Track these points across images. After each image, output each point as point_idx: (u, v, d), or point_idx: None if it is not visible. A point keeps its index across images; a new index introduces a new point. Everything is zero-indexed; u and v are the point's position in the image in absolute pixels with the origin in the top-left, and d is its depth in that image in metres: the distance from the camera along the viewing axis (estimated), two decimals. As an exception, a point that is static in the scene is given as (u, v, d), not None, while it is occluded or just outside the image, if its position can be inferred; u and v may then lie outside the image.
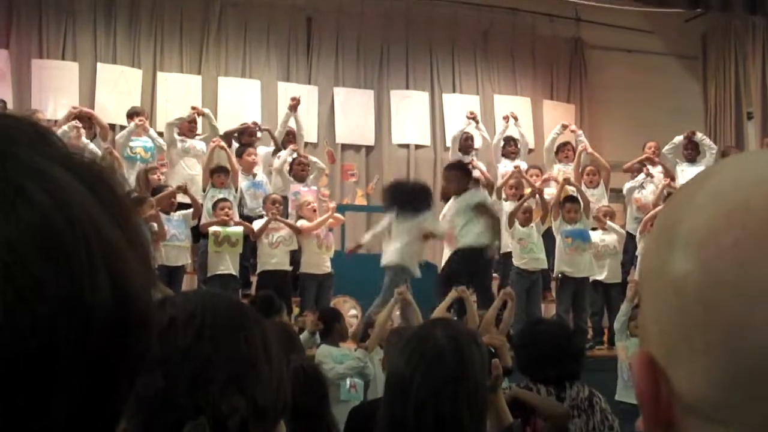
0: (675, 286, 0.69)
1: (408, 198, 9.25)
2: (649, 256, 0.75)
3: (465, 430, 2.28)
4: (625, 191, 11.68)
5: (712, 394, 0.67)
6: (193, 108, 11.28)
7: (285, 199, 10.49)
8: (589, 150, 11.70)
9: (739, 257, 0.66)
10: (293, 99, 11.61)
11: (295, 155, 10.89)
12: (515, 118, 12.58)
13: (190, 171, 10.72)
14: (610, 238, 10.33)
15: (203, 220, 9.87)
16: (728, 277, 0.66)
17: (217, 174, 10.29)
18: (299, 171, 10.78)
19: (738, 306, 0.65)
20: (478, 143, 12.28)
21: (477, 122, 12.29)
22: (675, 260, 0.70)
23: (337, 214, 10.26)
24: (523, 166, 11.82)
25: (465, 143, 12.09)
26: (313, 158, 11.24)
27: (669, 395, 0.71)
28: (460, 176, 9.54)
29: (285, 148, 11.20)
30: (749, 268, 0.65)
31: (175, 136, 10.82)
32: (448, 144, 13.62)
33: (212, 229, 9.54)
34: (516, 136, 12.41)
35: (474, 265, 9.18)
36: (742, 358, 0.65)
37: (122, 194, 0.65)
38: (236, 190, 10.41)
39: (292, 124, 11.68)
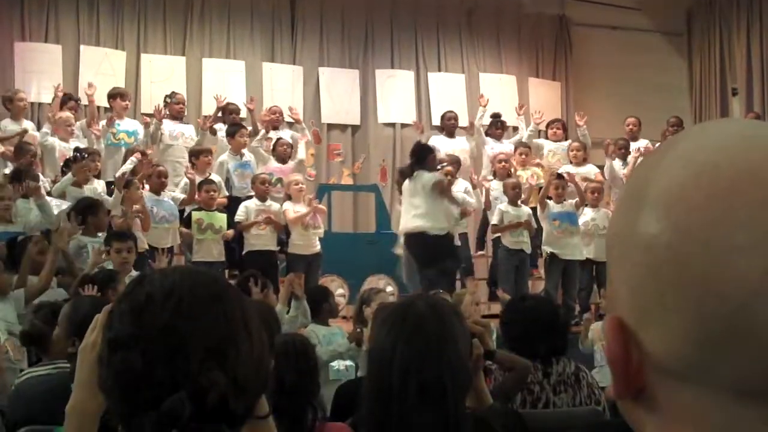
0: (645, 245, 0.70)
1: None
2: (617, 220, 0.76)
3: (448, 397, 2.29)
4: (606, 170, 11.63)
5: (686, 351, 0.68)
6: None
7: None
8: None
9: (709, 215, 0.67)
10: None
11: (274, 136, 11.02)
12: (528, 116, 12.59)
13: (180, 161, 10.64)
14: (601, 218, 10.31)
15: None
16: (699, 235, 0.67)
17: (203, 155, 10.25)
18: (282, 151, 10.82)
19: (710, 263, 0.66)
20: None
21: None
22: (644, 221, 0.71)
23: (319, 205, 10.21)
24: (509, 148, 11.81)
25: (448, 122, 12.12)
26: (295, 132, 11.38)
27: (640, 359, 0.72)
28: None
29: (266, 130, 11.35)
30: (720, 225, 0.67)
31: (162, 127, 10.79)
32: (435, 123, 13.65)
33: (195, 215, 9.50)
34: (503, 116, 12.42)
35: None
36: (715, 315, 0.66)
37: None
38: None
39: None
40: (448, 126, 12.04)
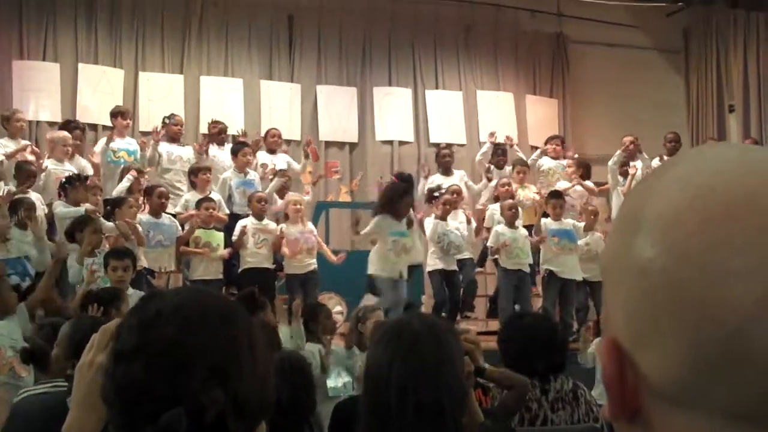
0: (641, 269, 0.70)
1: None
2: (612, 244, 0.76)
3: (446, 415, 2.29)
4: (610, 171, 11.59)
5: (681, 376, 0.68)
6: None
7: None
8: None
9: (705, 239, 0.67)
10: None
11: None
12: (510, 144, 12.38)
13: (176, 186, 10.54)
14: (595, 242, 10.28)
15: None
16: (695, 259, 0.67)
17: (202, 172, 10.21)
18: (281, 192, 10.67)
19: (705, 287, 0.66)
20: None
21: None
22: (640, 244, 0.71)
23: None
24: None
25: (443, 159, 11.72)
26: (293, 163, 11.41)
27: (635, 380, 0.72)
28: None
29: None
30: (716, 250, 0.67)
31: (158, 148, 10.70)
32: (432, 140, 13.70)
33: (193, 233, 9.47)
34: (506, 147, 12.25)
35: None
36: (710, 339, 0.66)
37: None
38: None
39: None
40: (444, 163, 11.62)
